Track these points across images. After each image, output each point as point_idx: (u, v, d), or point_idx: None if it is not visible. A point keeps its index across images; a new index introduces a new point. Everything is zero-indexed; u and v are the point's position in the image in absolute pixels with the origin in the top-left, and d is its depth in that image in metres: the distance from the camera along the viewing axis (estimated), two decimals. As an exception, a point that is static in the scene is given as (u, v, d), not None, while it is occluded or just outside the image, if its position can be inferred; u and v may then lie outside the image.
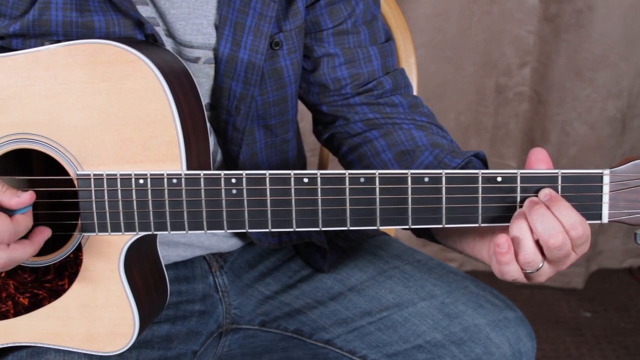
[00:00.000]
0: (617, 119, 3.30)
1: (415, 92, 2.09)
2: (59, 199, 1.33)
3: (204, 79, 1.50)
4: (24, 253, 1.27)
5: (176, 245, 1.62)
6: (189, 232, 1.29)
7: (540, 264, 1.24)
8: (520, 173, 1.20)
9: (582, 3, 3.12)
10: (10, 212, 1.25)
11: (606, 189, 1.22)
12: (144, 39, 1.41)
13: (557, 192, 1.22)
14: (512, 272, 1.24)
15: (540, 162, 1.24)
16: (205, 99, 1.51)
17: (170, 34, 1.47)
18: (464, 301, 1.56)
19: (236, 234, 1.67)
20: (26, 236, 1.29)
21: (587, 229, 1.24)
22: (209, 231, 1.55)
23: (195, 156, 1.31)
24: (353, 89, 1.59)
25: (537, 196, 1.22)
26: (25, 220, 1.27)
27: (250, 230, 1.28)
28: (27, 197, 1.25)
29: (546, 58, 3.26)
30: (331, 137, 1.65)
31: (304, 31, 1.56)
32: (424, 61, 3.20)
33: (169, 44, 1.47)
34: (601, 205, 1.23)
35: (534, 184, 1.21)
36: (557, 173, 1.21)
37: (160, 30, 1.46)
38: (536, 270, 1.24)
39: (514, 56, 3.31)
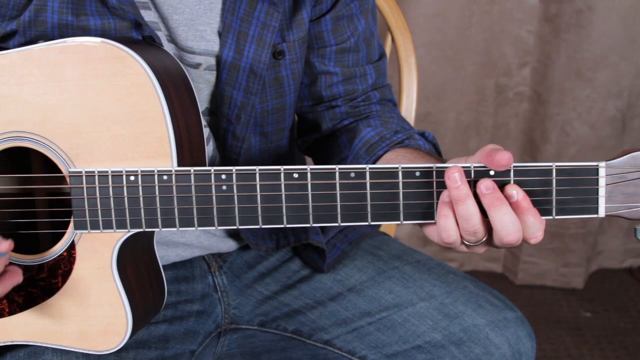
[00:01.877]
0: (617, 119, 3.30)
1: (415, 92, 2.10)
2: (52, 196, 1.33)
3: (203, 85, 1.50)
4: None
5: (175, 245, 1.62)
6: (180, 228, 1.28)
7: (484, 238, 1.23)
8: (514, 167, 1.19)
9: (582, 3, 3.12)
10: None
11: (602, 182, 1.19)
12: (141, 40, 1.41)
13: (552, 185, 1.20)
14: (451, 228, 1.21)
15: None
16: (204, 104, 1.52)
17: (172, 39, 1.47)
18: (464, 301, 1.56)
19: (235, 235, 1.67)
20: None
21: (544, 227, 1.22)
22: (200, 229, 1.55)
23: (188, 153, 1.31)
24: (344, 102, 1.63)
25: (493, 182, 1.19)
26: None
27: (241, 227, 1.28)
28: (5, 246, 1.25)
29: (546, 58, 3.26)
30: (310, 146, 1.71)
31: (307, 43, 1.57)
32: (424, 61, 3.20)
33: (170, 49, 1.47)
34: (597, 199, 1.20)
35: (528, 177, 1.20)
36: (551, 166, 1.19)
37: (161, 35, 1.46)
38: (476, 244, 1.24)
39: (514, 56, 3.31)
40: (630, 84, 3.26)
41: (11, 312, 1.38)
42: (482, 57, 3.31)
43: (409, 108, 2.10)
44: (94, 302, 1.35)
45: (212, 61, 1.49)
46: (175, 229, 1.28)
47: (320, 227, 1.66)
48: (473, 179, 1.20)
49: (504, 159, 1.17)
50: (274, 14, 1.47)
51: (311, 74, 1.61)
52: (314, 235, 1.63)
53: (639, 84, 3.29)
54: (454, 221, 1.20)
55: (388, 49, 2.11)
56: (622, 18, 3.15)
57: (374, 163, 1.51)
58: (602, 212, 1.21)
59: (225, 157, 1.54)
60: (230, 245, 1.68)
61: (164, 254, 1.59)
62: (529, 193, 1.19)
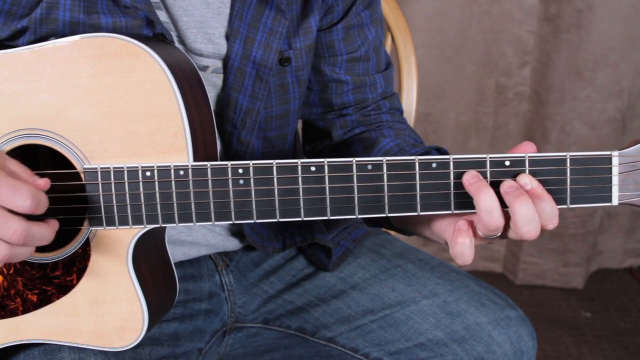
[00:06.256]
0: (617, 119, 3.31)
1: (415, 92, 2.11)
2: (66, 193, 1.33)
3: (210, 88, 1.50)
4: (44, 232, 1.23)
5: (182, 244, 1.62)
6: (197, 223, 1.28)
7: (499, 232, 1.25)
8: (529, 157, 1.21)
9: (582, 3, 3.13)
10: None
11: (615, 170, 1.21)
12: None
13: (566, 174, 1.22)
14: (467, 252, 1.24)
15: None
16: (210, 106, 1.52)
17: (181, 40, 1.47)
18: (466, 300, 1.57)
19: (239, 233, 1.68)
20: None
21: (558, 214, 1.24)
22: (205, 229, 1.56)
23: (202, 148, 1.31)
24: (354, 110, 1.65)
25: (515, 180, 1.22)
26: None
27: (259, 221, 1.28)
28: (42, 183, 1.23)
29: (546, 58, 3.27)
30: (318, 153, 1.72)
31: (316, 51, 1.59)
32: (424, 61, 3.21)
33: None
34: (611, 187, 1.22)
35: (543, 167, 1.22)
36: (565, 156, 1.21)
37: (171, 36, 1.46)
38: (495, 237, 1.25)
39: (514, 56, 3.32)
40: (630, 84, 3.27)
41: (25, 311, 1.38)
42: (482, 57, 3.32)
43: (409, 108, 2.11)
44: (110, 298, 1.35)
45: (219, 64, 1.49)
46: (192, 223, 1.28)
47: (325, 225, 1.66)
48: (489, 169, 1.22)
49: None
50: (281, 20, 1.47)
51: (322, 81, 1.62)
52: (320, 235, 1.63)
53: (639, 84, 3.30)
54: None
55: (388, 49, 2.11)
56: (622, 18, 3.16)
57: None
58: (615, 200, 1.23)
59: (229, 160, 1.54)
60: (235, 243, 1.69)
61: (171, 252, 1.58)
62: (544, 182, 1.21)
